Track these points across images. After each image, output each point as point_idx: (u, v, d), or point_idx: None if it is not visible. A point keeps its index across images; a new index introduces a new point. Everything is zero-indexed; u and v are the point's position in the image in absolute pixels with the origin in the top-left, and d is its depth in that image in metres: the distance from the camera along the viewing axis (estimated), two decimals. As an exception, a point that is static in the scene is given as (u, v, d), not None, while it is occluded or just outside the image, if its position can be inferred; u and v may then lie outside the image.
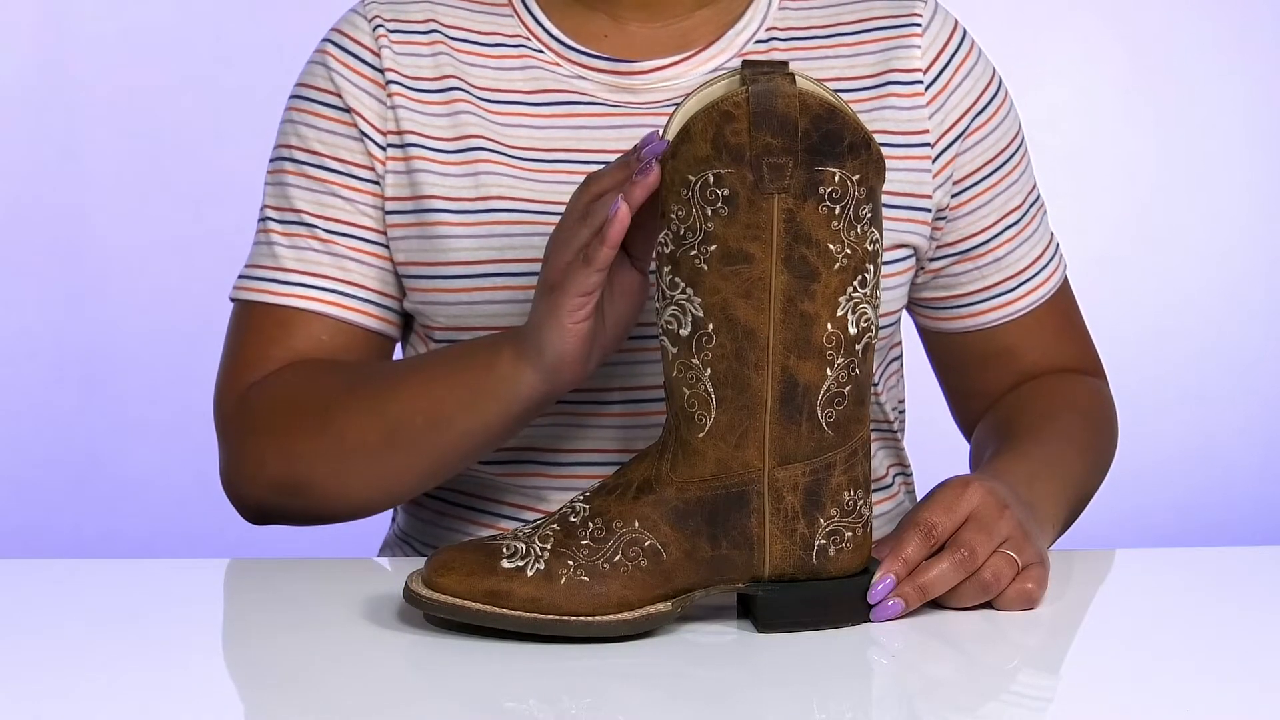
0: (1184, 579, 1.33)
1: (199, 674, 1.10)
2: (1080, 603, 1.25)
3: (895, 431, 1.49)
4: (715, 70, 1.38)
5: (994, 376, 1.47)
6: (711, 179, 1.11)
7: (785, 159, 1.11)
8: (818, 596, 1.14)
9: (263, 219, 1.40)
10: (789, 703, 1.04)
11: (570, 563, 1.11)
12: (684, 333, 1.12)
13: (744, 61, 1.14)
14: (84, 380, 3.17)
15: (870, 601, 1.15)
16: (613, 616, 1.11)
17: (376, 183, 1.37)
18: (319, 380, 1.33)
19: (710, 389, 1.12)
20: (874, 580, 1.15)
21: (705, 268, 1.11)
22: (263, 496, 1.34)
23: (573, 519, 1.13)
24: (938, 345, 1.49)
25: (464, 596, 1.11)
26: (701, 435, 1.12)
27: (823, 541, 1.14)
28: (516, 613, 1.10)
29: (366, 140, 1.37)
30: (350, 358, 1.37)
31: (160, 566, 1.41)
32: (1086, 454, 1.40)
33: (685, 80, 1.37)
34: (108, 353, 3.16)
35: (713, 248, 1.11)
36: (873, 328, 1.14)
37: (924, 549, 1.17)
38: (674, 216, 1.12)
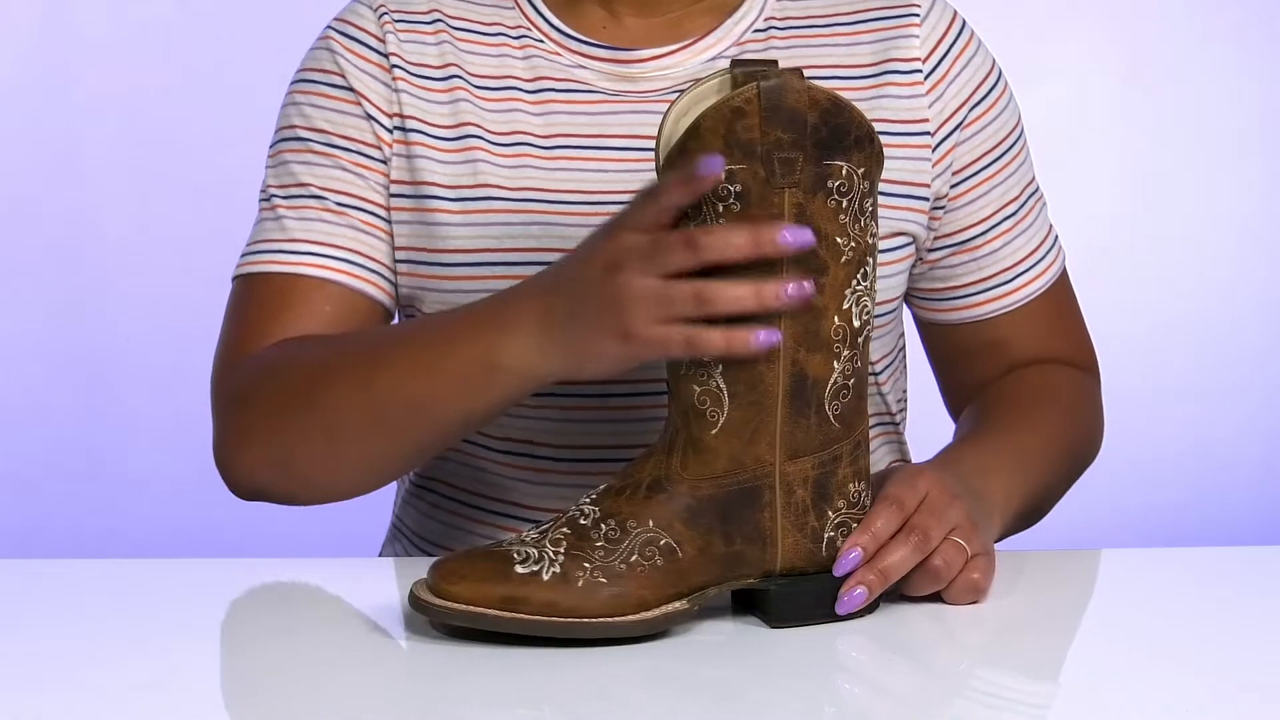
0: (1184, 579, 1.32)
1: (199, 674, 1.10)
2: (1079, 603, 1.25)
3: (898, 424, 1.49)
4: (713, 59, 1.38)
5: (985, 367, 1.47)
6: (723, 175, 1.11)
7: (795, 154, 1.11)
8: (830, 590, 1.14)
9: (266, 198, 1.38)
10: (799, 701, 1.04)
11: (586, 565, 1.10)
12: (695, 329, 1.12)
13: (732, 61, 1.14)
14: (84, 380, 3.16)
15: (836, 574, 1.14)
16: (632, 617, 1.10)
17: (385, 162, 1.37)
18: (308, 355, 1.30)
19: (722, 385, 1.12)
20: (840, 551, 1.14)
21: (718, 262, 1.11)
22: (250, 471, 1.31)
23: (583, 521, 1.12)
24: (933, 336, 1.49)
25: (479, 604, 1.09)
26: (714, 432, 1.12)
27: (831, 534, 1.14)
28: (535, 617, 1.09)
29: (374, 122, 1.37)
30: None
31: (160, 566, 1.41)
32: (1058, 446, 1.39)
33: (683, 69, 1.38)
34: (108, 353, 3.15)
35: (724, 243, 1.11)
36: (872, 319, 1.15)
37: (894, 522, 1.15)
38: (685, 213, 1.12)
